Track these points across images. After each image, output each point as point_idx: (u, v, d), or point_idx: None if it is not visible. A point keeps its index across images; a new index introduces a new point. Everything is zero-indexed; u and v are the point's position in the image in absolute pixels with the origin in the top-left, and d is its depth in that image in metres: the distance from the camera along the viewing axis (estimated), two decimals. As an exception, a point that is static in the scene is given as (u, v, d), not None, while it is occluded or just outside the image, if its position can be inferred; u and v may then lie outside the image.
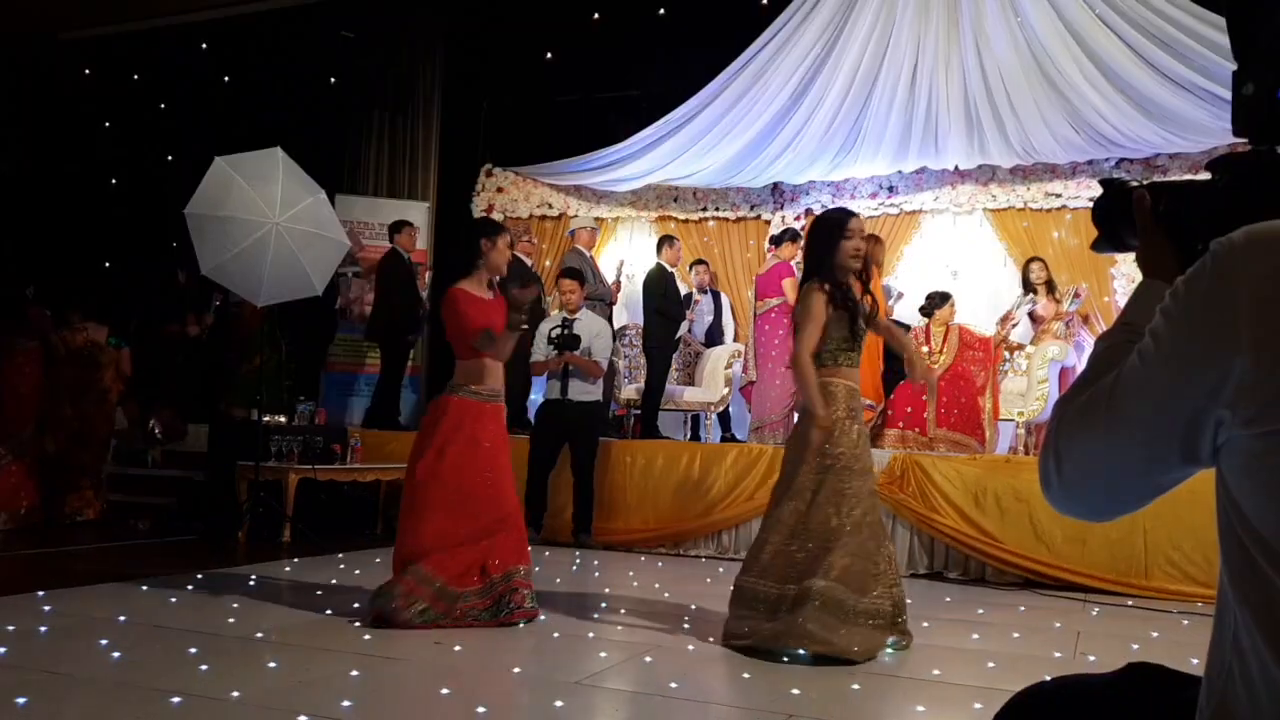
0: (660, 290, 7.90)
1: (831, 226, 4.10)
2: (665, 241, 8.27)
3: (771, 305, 7.45)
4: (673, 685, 3.42)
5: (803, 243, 4.17)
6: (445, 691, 3.16)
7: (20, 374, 7.60)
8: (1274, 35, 1.17)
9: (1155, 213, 1.23)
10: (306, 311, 8.03)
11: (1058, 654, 4.07)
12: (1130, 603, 5.42)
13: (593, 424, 6.94)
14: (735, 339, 8.90)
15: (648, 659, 3.76)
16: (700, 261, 8.77)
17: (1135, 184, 1.28)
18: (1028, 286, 7.83)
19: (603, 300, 7.99)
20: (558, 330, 6.73)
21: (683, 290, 8.47)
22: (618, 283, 8.64)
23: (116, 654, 3.44)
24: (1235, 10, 1.21)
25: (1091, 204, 1.39)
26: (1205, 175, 1.23)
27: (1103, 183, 1.32)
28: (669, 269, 8.08)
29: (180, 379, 9.07)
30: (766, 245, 8.63)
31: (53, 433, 7.62)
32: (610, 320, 8.12)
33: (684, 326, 8.18)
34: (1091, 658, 4.01)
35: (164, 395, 9.13)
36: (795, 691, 3.27)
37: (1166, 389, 1.02)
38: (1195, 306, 1.00)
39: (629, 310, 9.28)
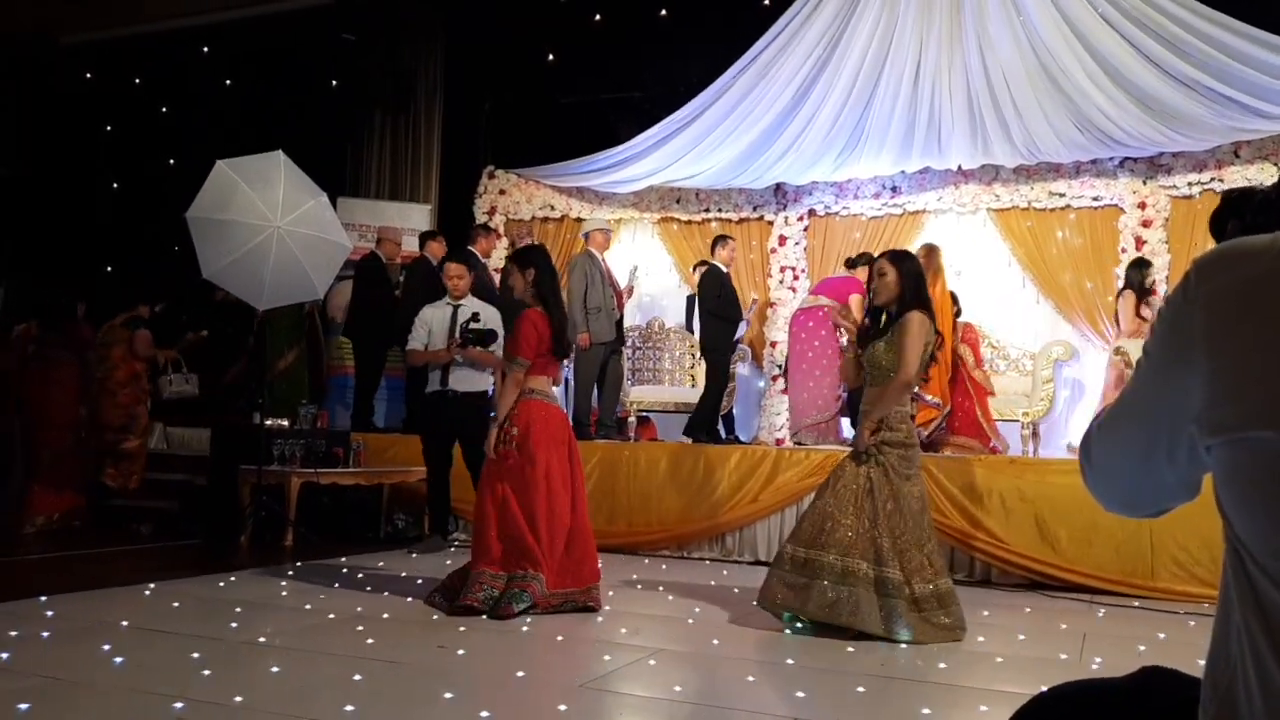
0: (716, 292, 7.71)
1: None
2: (720, 241, 8.02)
3: (822, 304, 7.39)
4: (677, 689, 3.40)
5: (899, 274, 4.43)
6: (448, 695, 3.14)
7: (63, 388, 7.59)
8: None
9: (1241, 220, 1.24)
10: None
11: (1064, 656, 4.04)
12: (1137, 604, 5.40)
13: (481, 418, 6.10)
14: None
15: (652, 662, 3.75)
16: (703, 263, 8.73)
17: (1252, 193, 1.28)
18: (1142, 289, 7.06)
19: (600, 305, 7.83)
20: (470, 324, 6.17)
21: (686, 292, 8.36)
22: (630, 286, 8.53)
23: (119, 659, 3.42)
24: None
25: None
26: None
27: (1223, 194, 1.32)
28: (724, 269, 7.88)
29: (228, 344, 9.00)
30: (842, 267, 8.33)
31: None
32: (620, 324, 8.03)
33: (741, 328, 8.00)
34: (1098, 660, 3.99)
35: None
36: (800, 694, 3.25)
37: (1147, 401, 1.06)
38: (1166, 322, 1.04)
39: (641, 311, 9.25)
